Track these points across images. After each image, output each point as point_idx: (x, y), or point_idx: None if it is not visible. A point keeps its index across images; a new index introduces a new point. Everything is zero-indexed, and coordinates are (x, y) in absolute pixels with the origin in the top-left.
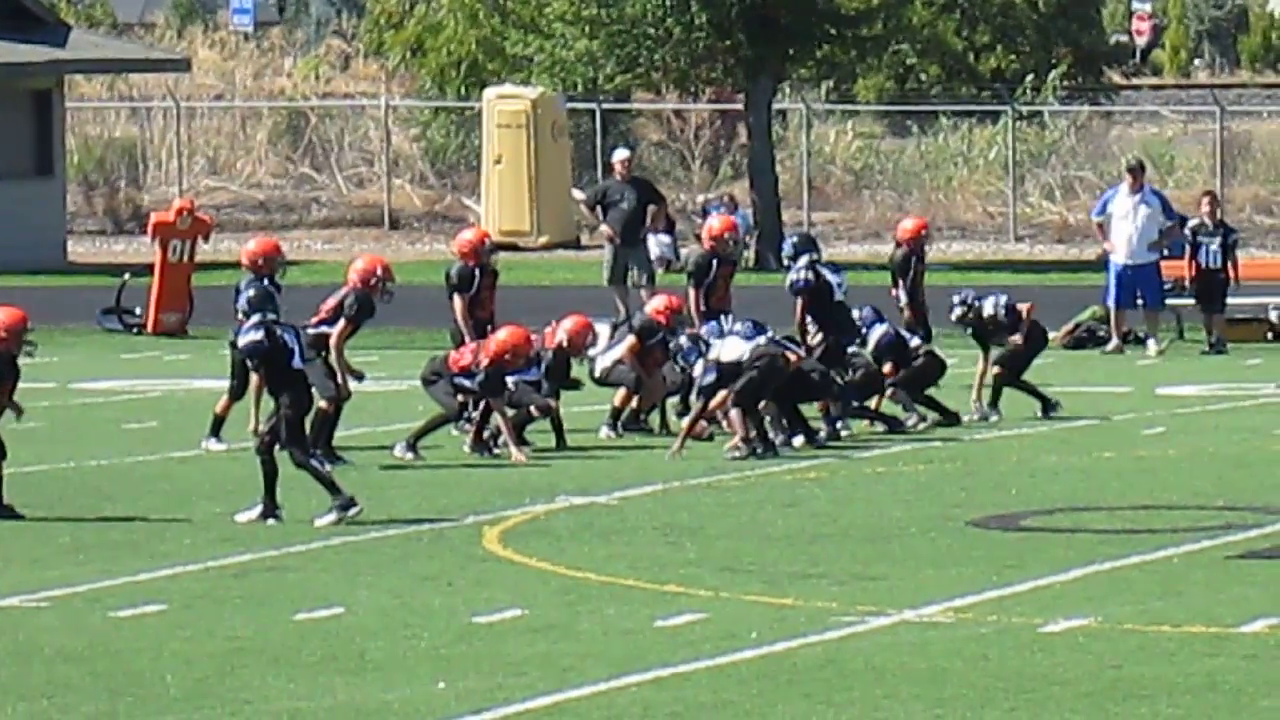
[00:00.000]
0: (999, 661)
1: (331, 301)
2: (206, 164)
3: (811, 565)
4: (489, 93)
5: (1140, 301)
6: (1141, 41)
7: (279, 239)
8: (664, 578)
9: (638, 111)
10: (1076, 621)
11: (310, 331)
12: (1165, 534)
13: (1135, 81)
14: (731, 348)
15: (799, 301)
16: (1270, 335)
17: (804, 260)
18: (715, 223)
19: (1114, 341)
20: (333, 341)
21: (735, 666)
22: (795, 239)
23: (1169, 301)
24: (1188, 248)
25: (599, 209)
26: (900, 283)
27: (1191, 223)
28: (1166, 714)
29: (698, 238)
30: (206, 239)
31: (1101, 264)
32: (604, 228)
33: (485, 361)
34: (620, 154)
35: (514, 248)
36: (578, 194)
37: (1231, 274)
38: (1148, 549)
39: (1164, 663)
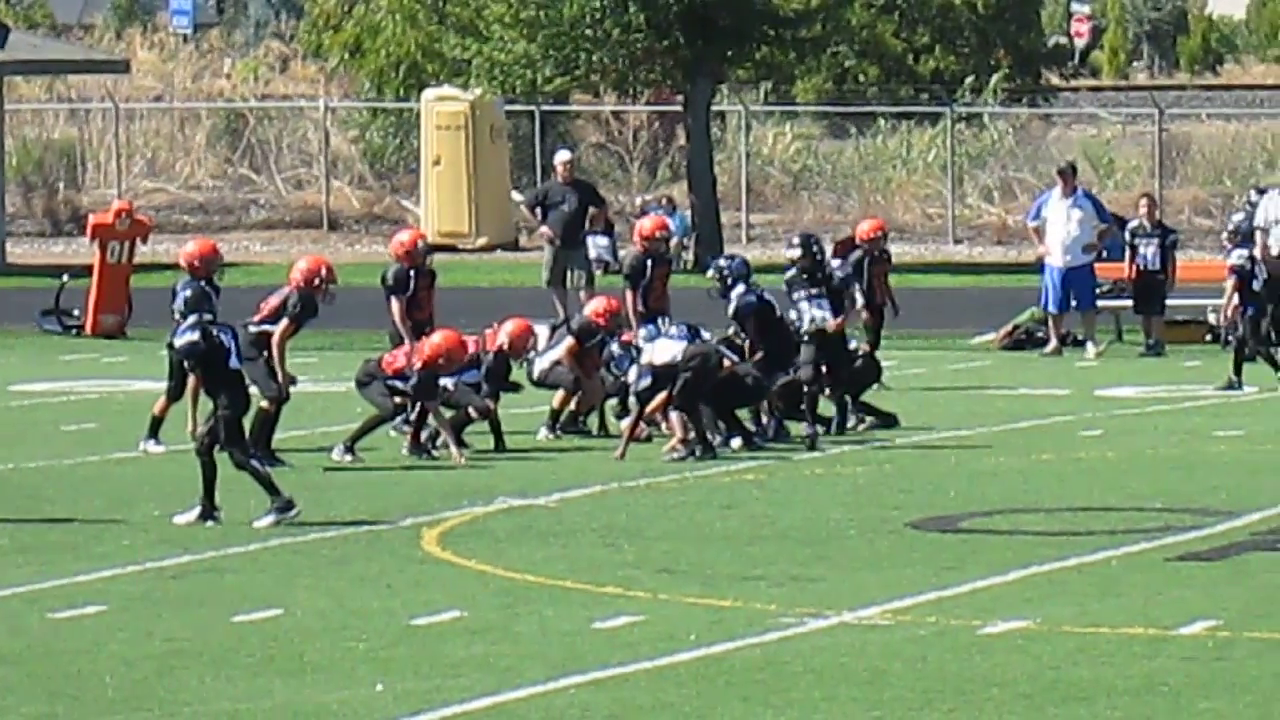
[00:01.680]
0: (938, 663)
1: (274, 301)
2: (145, 165)
3: (750, 567)
4: (428, 94)
5: (1074, 304)
6: (1080, 43)
7: (218, 240)
8: (602, 579)
9: (576, 113)
10: (1015, 623)
11: (252, 329)
12: (1104, 536)
13: (1074, 83)
14: (664, 350)
15: (749, 325)
16: (1209, 337)
17: (742, 287)
18: (646, 223)
19: (1052, 343)
20: (275, 340)
21: (674, 668)
22: (726, 267)
23: (1108, 304)
24: (1126, 249)
25: (539, 210)
26: (857, 284)
27: (1130, 224)
28: (1105, 716)
29: None
30: (145, 240)
31: (1039, 266)
32: (544, 229)
33: (418, 365)
34: (562, 156)
35: (453, 249)
36: (516, 196)
37: (1170, 276)
38: (1086, 551)
39: (1103, 664)
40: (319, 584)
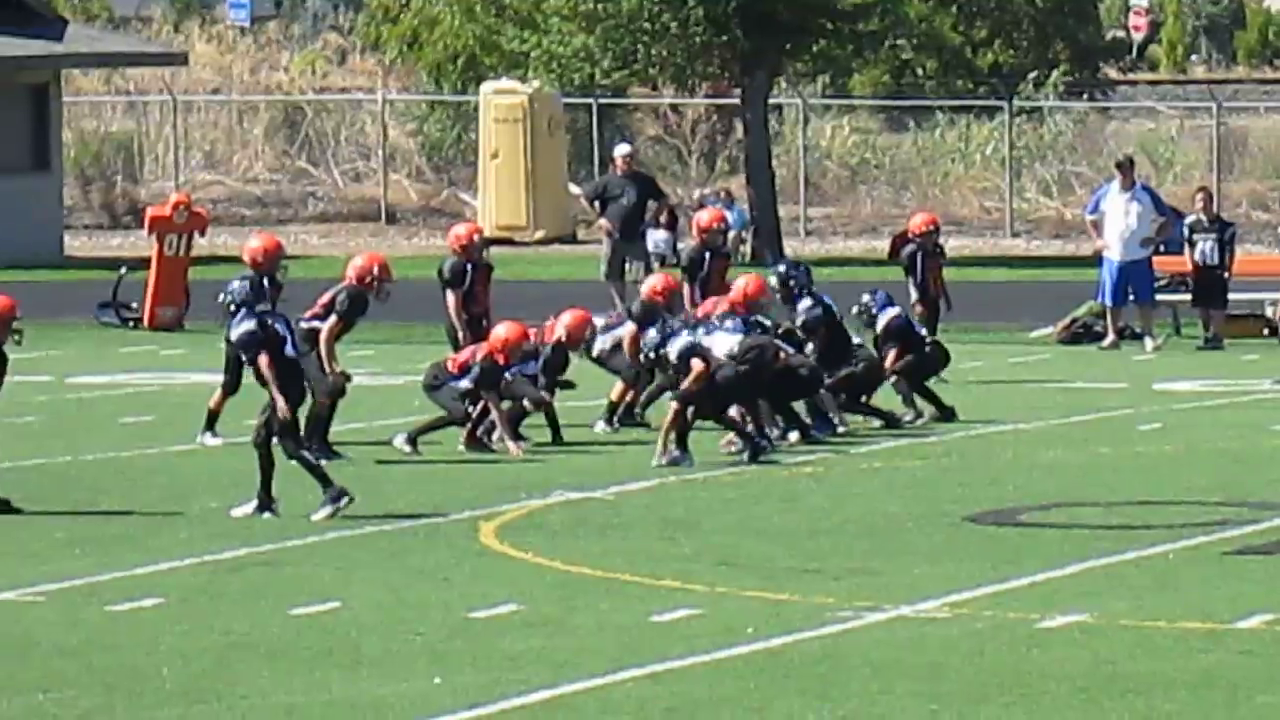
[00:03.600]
0: (995, 657)
1: (326, 297)
2: (203, 158)
3: (808, 561)
4: (486, 87)
5: (1132, 298)
6: (1138, 37)
7: (276, 234)
8: (660, 573)
9: (634, 106)
10: (1073, 617)
11: (303, 325)
12: (1161, 530)
13: (1132, 77)
14: (721, 342)
15: (817, 337)
16: (1267, 331)
17: (808, 301)
18: (704, 216)
19: (1110, 337)
20: (323, 337)
21: (732, 662)
22: (791, 276)
23: (1166, 298)
24: (1185, 244)
25: (598, 203)
26: (910, 277)
27: (1188, 219)
28: (1162, 709)
29: None
30: (203, 233)
31: (1097, 260)
32: (602, 222)
33: (481, 355)
34: (622, 149)
35: (510, 242)
36: (574, 189)
37: (1229, 269)
38: (1144, 545)
39: (1160, 658)
40: (376, 577)
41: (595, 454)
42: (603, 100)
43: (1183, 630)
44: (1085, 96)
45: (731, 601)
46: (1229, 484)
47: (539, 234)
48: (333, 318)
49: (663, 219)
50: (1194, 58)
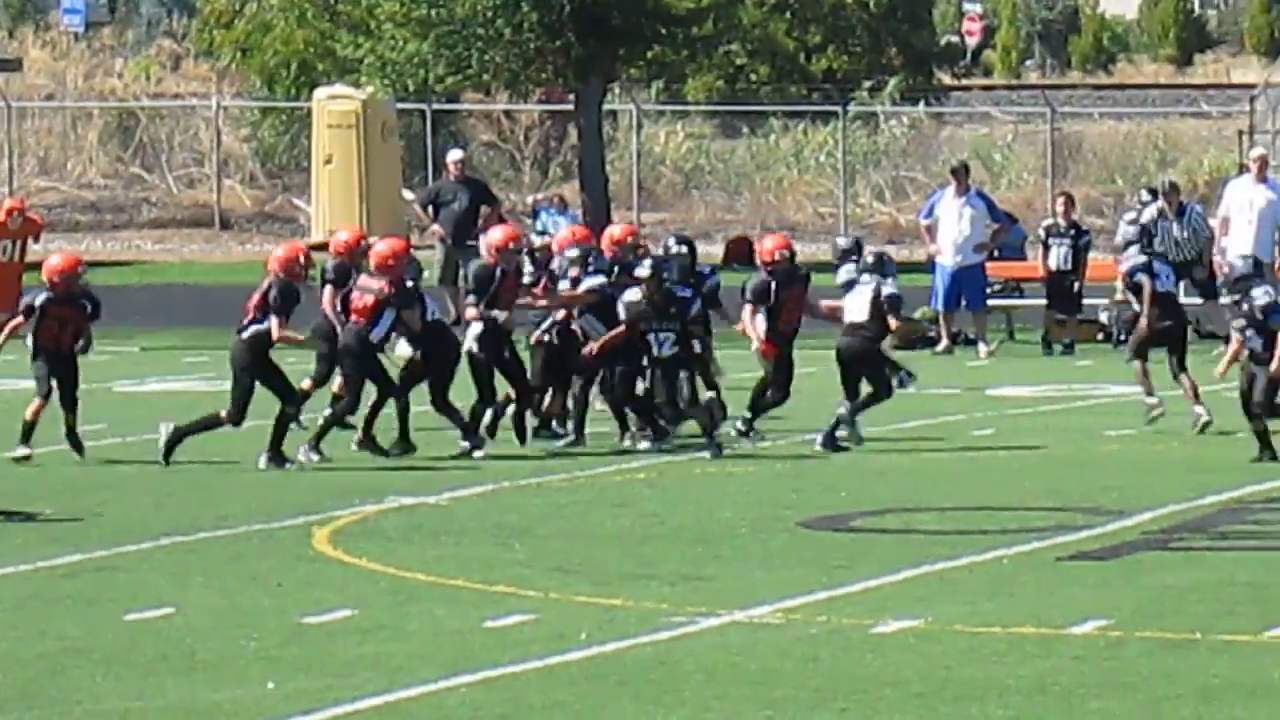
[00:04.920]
0: (830, 662)
1: (256, 298)
2: (37, 164)
3: (641, 566)
4: (319, 93)
5: (964, 303)
6: (972, 42)
7: (108, 239)
8: (494, 578)
9: (468, 112)
10: (907, 622)
11: (246, 337)
12: (996, 535)
13: (966, 82)
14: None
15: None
16: (1101, 336)
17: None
18: (497, 234)
19: (944, 342)
20: (275, 338)
21: (565, 667)
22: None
23: (1000, 303)
24: (1040, 247)
25: (432, 209)
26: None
27: (1045, 223)
28: (997, 715)
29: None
30: (37, 239)
31: (930, 266)
32: (435, 227)
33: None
34: (454, 155)
35: None
36: (408, 194)
37: (1081, 276)
38: (978, 550)
39: (994, 664)
40: (211, 583)
41: (429, 459)
42: (436, 106)
43: (1017, 636)
44: (920, 102)
45: (565, 607)
46: (1063, 489)
47: (372, 239)
48: (274, 319)
49: (493, 225)
50: (1028, 63)
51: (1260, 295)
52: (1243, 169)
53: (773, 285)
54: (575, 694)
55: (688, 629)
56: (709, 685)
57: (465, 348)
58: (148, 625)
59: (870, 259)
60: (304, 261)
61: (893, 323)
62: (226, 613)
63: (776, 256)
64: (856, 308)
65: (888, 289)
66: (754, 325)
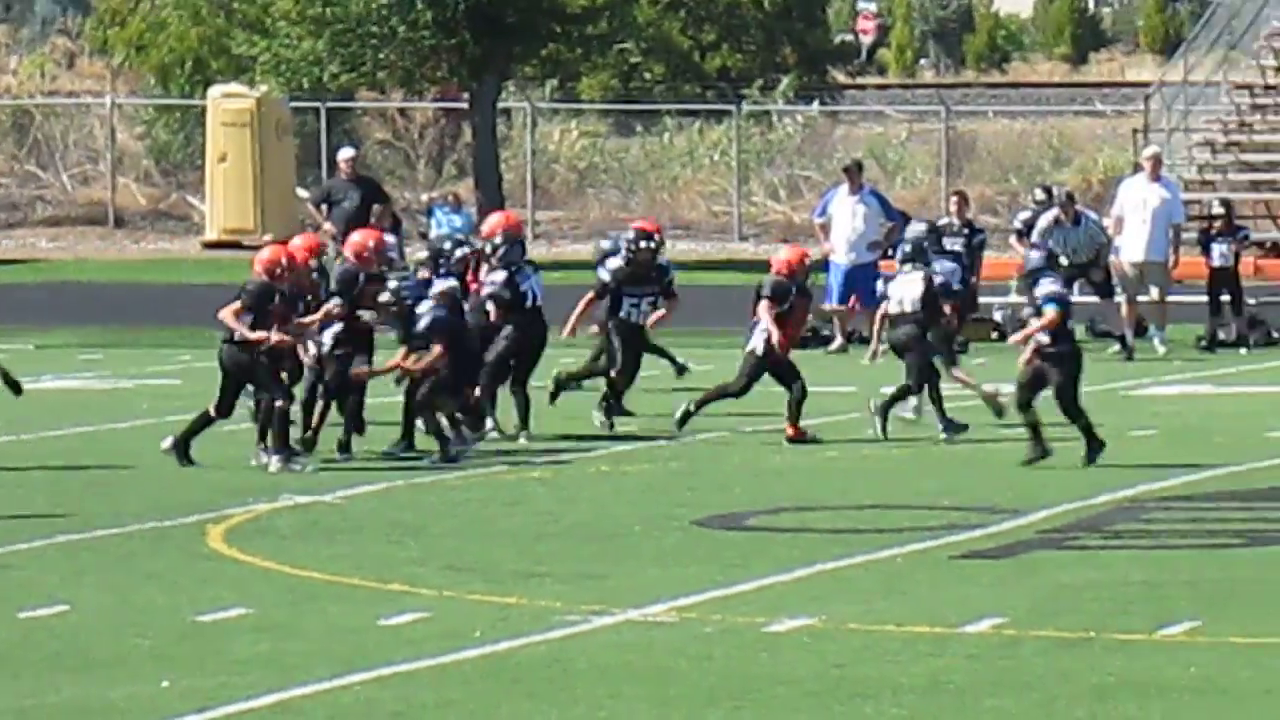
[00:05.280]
0: (723, 661)
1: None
2: None
3: (535, 564)
4: (214, 91)
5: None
6: (867, 41)
7: (5, 238)
8: (388, 576)
9: (362, 110)
10: (801, 621)
11: (234, 340)
12: (890, 534)
13: (860, 81)
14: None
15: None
16: (995, 335)
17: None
18: (356, 238)
19: (838, 341)
20: (254, 339)
21: (459, 665)
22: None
23: None
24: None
25: (324, 207)
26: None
27: (940, 221)
28: (891, 714)
29: (423, 236)
30: None
31: (824, 264)
32: (327, 225)
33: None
34: (345, 153)
35: (238, 246)
36: (302, 192)
37: (976, 274)
38: (872, 549)
39: (888, 662)
40: (105, 580)
41: (323, 458)
42: (331, 104)
43: (911, 634)
44: (815, 101)
45: (458, 605)
46: (957, 488)
47: (266, 237)
48: (236, 304)
49: (386, 223)
50: (923, 62)
51: (1045, 284)
52: (1137, 168)
53: (793, 289)
54: (468, 692)
55: (581, 627)
56: (603, 684)
57: (325, 349)
58: (41, 623)
59: (909, 248)
60: (286, 263)
61: (946, 309)
62: (120, 611)
63: (797, 267)
64: (907, 297)
65: (939, 278)
66: (772, 320)
